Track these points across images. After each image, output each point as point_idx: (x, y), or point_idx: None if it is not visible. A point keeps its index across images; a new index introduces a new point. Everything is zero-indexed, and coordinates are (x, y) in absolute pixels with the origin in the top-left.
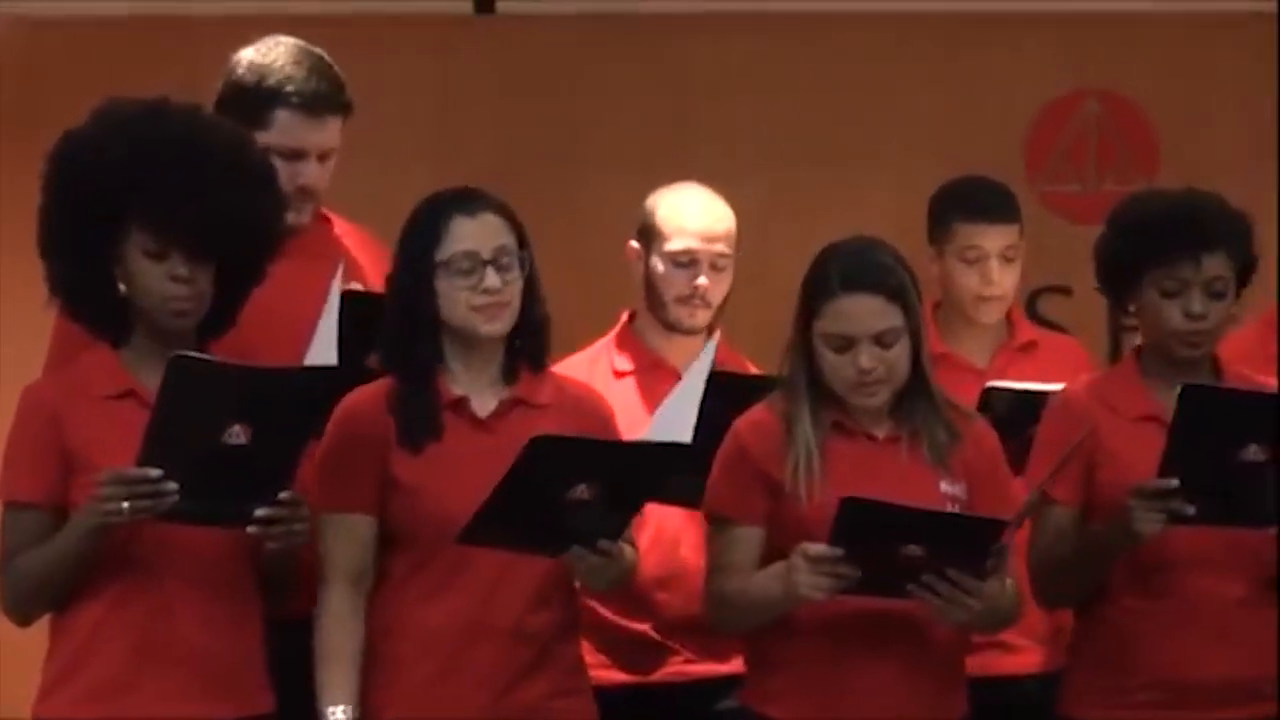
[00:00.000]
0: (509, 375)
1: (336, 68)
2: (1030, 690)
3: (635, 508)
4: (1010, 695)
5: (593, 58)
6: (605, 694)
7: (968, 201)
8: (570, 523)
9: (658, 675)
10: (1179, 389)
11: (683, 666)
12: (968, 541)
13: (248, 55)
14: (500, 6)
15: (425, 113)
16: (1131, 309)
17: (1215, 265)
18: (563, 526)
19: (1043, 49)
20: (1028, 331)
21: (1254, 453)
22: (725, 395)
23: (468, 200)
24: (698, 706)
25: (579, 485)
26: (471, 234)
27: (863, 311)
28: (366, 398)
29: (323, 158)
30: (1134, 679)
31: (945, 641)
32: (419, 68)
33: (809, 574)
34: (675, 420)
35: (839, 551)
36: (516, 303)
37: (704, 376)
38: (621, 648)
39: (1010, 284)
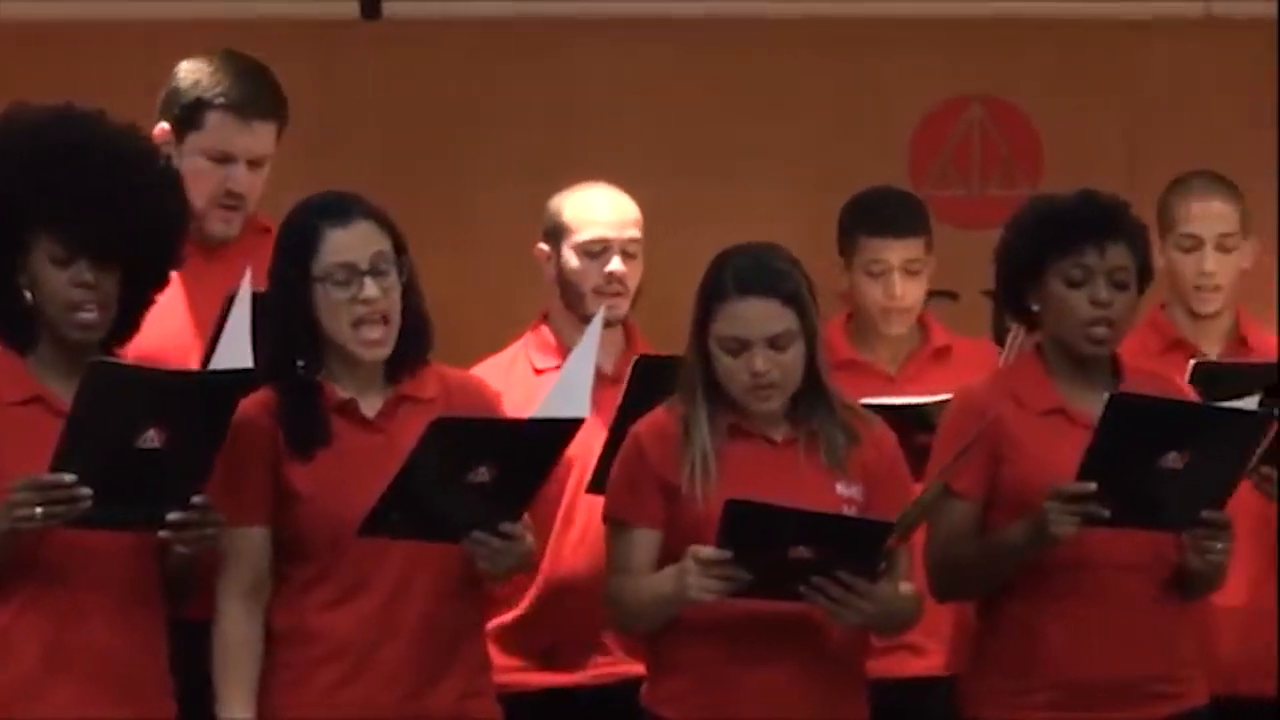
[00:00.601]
0: (393, 373)
1: (271, 75)
2: (939, 692)
3: (534, 488)
4: (919, 697)
5: (480, 63)
6: (533, 696)
7: (872, 215)
8: (470, 507)
9: (585, 675)
10: (1107, 397)
11: (610, 668)
12: (855, 543)
13: (187, 62)
14: (387, 10)
15: (310, 118)
16: (1035, 306)
17: (1118, 255)
18: (463, 511)
19: (927, 55)
20: (941, 337)
21: (1173, 460)
22: (649, 378)
23: (340, 209)
24: (625, 707)
25: (479, 467)
26: (346, 245)
27: (757, 315)
28: (252, 409)
29: (254, 164)
30: (1036, 679)
31: (842, 643)
32: (304, 73)
33: (698, 576)
34: (570, 398)
35: (728, 554)
36: (397, 311)
37: (592, 352)
38: (549, 649)
39: (914, 296)
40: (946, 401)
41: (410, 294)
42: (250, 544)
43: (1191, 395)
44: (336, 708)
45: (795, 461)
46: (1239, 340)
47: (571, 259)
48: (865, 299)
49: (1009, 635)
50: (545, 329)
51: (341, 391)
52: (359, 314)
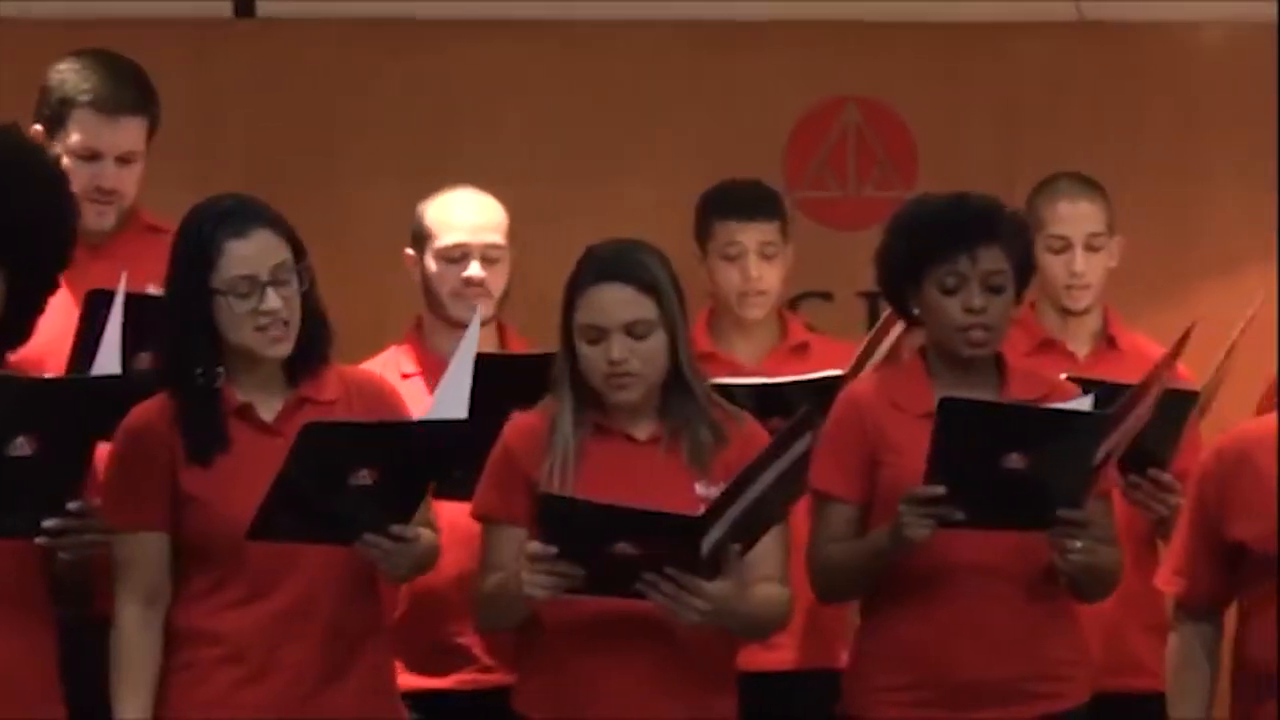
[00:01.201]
0: (292, 376)
1: (140, 72)
2: (788, 688)
3: (419, 490)
4: (770, 692)
5: (355, 62)
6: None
7: (725, 200)
8: (356, 509)
9: (452, 680)
10: (938, 400)
11: (477, 675)
12: (674, 539)
13: (59, 63)
14: (260, 9)
15: (183, 117)
16: (916, 311)
17: (991, 259)
18: (349, 513)
19: (801, 57)
20: (799, 334)
21: (1015, 460)
22: (495, 378)
23: (239, 220)
24: (492, 713)
25: (360, 470)
26: (246, 257)
27: (613, 301)
28: (150, 414)
29: (123, 160)
30: (908, 678)
31: (703, 641)
32: (176, 72)
33: (530, 572)
34: (449, 400)
35: (551, 550)
36: (298, 318)
37: (471, 355)
38: (420, 651)
39: (772, 280)
40: (807, 381)
41: (309, 297)
42: (146, 549)
43: (1076, 392)
44: (237, 708)
45: (655, 460)
46: (1107, 340)
47: (432, 264)
48: (722, 285)
49: (883, 635)
50: (415, 333)
51: (240, 395)
52: (261, 324)
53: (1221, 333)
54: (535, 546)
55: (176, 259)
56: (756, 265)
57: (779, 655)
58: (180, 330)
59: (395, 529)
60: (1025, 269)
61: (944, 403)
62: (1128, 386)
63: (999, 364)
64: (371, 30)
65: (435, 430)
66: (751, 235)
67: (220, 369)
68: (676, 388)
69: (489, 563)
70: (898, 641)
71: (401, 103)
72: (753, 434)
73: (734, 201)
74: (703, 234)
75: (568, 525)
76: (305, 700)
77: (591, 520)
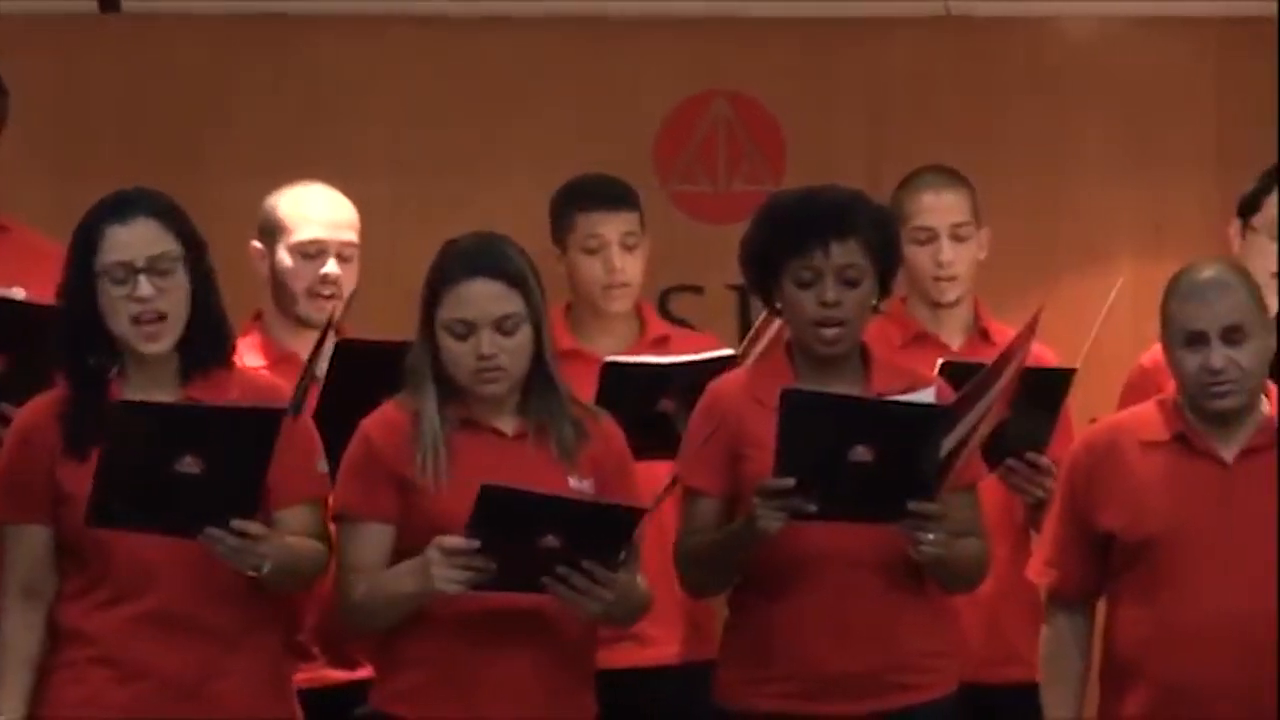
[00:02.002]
0: (185, 376)
1: None
2: (668, 682)
3: (250, 483)
4: (648, 687)
5: (221, 58)
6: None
7: (584, 193)
8: (190, 499)
9: (299, 680)
10: (779, 392)
11: (320, 671)
12: (605, 530)
13: None
14: (126, 5)
15: (50, 113)
16: (778, 305)
17: (846, 253)
18: (184, 503)
19: (671, 51)
20: (659, 327)
21: (861, 453)
22: (354, 365)
23: (124, 206)
24: (331, 714)
25: (183, 456)
26: (124, 243)
27: (483, 296)
28: (39, 407)
29: None
30: (774, 670)
31: (577, 637)
32: (43, 67)
33: (443, 567)
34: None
35: (475, 543)
36: (178, 310)
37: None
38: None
39: (634, 271)
40: (692, 362)
41: (204, 294)
42: (26, 542)
43: (943, 386)
44: (108, 709)
45: (527, 455)
46: (980, 332)
47: (286, 259)
48: (584, 279)
49: (749, 627)
50: (257, 327)
51: (127, 392)
52: (134, 312)
53: (1089, 323)
54: (456, 541)
55: (70, 244)
56: (619, 256)
57: (657, 650)
58: (70, 318)
59: (236, 523)
60: (888, 262)
61: (785, 394)
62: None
63: (863, 357)
64: (238, 25)
65: (254, 418)
66: (614, 227)
67: (116, 364)
68: (539, 382)
69: (352, 563)
70: (762, 633)
71: (269, 98)
72: (610, 431)
73: (594, 194)
74: (561, 229)
75: (504, 517)
76: (178, 701)
77: (533, 511)
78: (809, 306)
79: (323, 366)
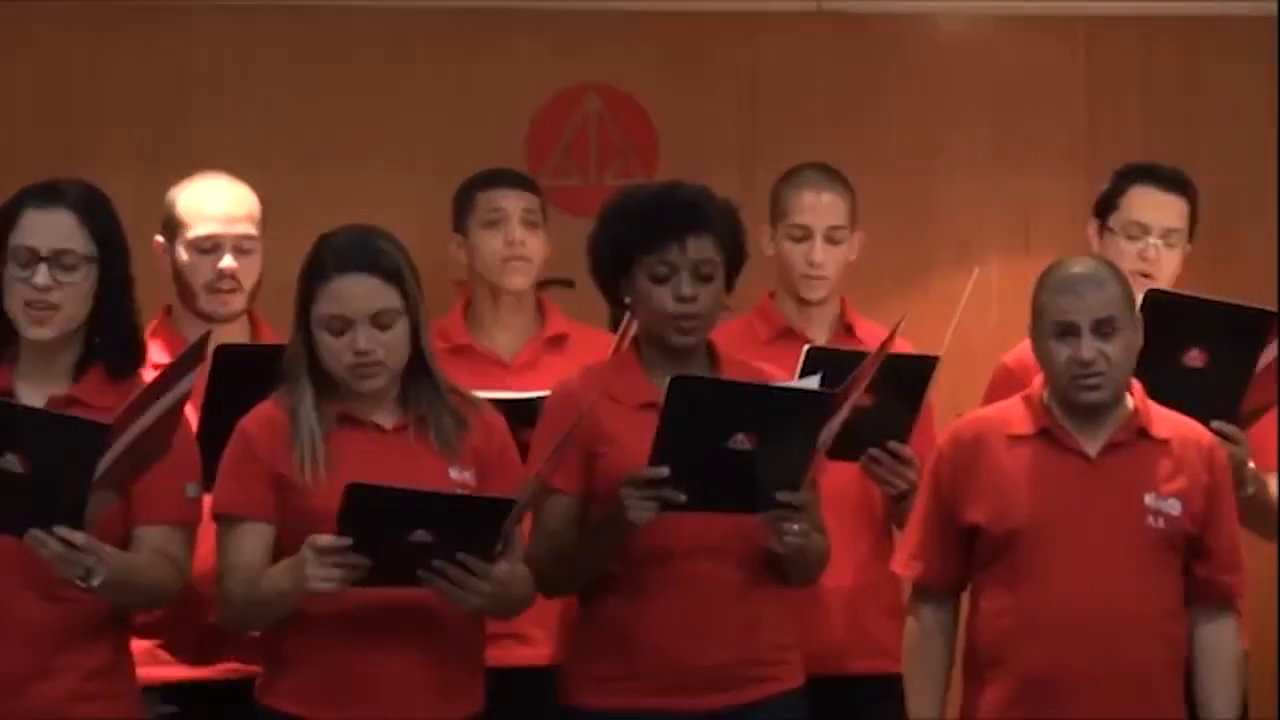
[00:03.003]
0: (79, 372)
1: None
2: (547, 681)
3: (73, 487)
4: (525, 685)
5: (95, 49)
6: (163, 689)
7: (485, 175)
8: (11, 498)
9: (217, 670)
10: (669, 378)
11: (234, 664)
12: (476, 523)
13: None
14: None
15: None
16: (627, 299)
17: (702, 248)
18: (6, 502)
19: (543, 44)
20: (558, 324)
21: (740, 441)
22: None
23: (50, 194)
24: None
25: (5, 454)
26: (36, 228)
27: (358, 291)
28: None
29: None
30: (628, 666)
31: (462, 630)
32: None
33: (318, 566)
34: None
35: (347, 541)
36: (74, 309)
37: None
38: (184, 640)
39: (535, 248)
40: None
41: (114, 299)
42: None
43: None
44: None
45: (407, 448)
46: (845, 329)
47: (184, 254)
48: (485, 254)
49: (603, 622)
50: (165, 322)
51: (18, 383)
52: (28, 298)
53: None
54: (328, 539)
55: None
56: (520, 230)
57: (535, 650)
58: None
59: (60, 531)
60: (737, 258)
61: (674, 379)
62: (867, 353)
63: (710, 353)
64: (108, 16)
65: (76, 428)
66: (514, 201)
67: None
68: (417, 375)
69: (231, 562)
70: (614, 629)
71: (138, 88)
72: (492, 421)
73: (495, 174)
74: (463, 213)
75: (372, 515)
76: (6, 700)
77: (402, 507)
78: (665, 301)
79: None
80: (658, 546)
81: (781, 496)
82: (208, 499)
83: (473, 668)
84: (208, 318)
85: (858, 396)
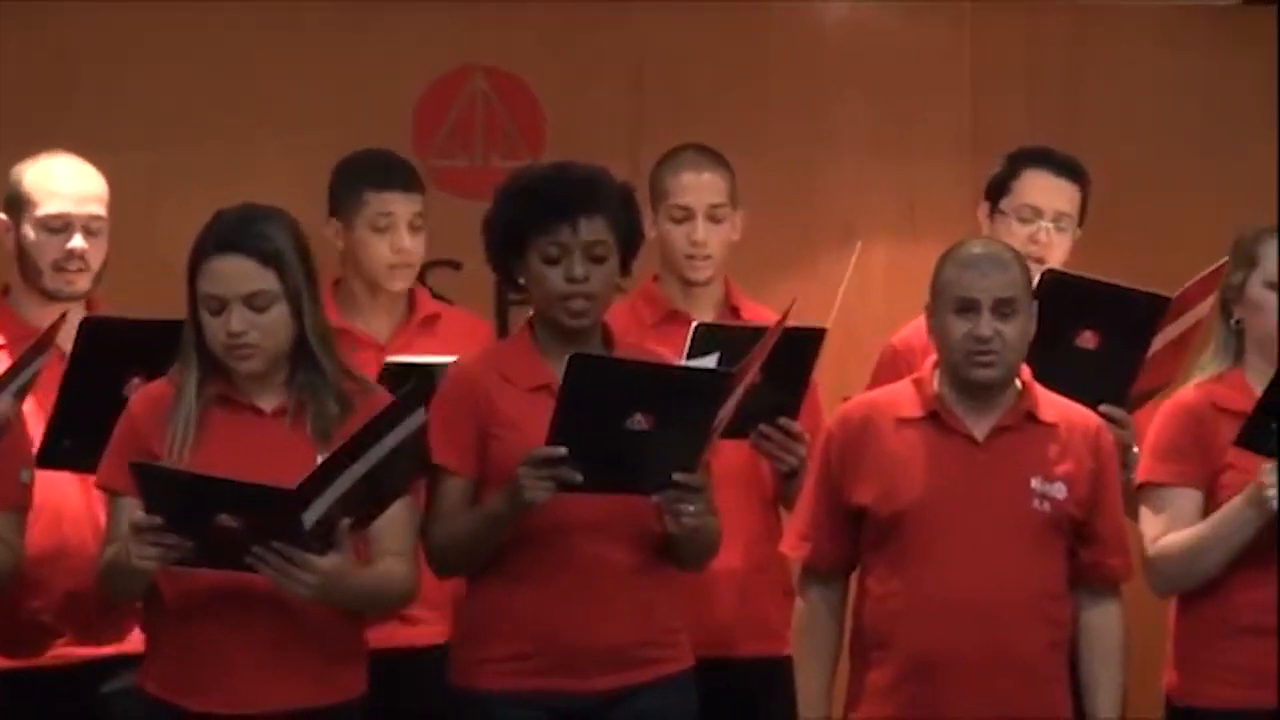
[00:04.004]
0: None
1: None
2: (434, 662)
3: None
4: (413, 666)
5: None
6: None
7: (377, 170)
8: None
9: (43, 659)
10: (568, 357)
11: (66, 649)
12: (274, 512)
13: None
14: None
15: None
16: (521, 280)
17: (594, 229)
18: None
19: (429, 25)
20: (429, 306)
21: (638, 421)
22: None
23: None
24: (83, 690)
25: None
26: None
27: (232, 272)
28: None
29: None
30: (523, 647)
31: (324, 614)
32: None
33: (135, 544)
34: None
35: (156, 520)
36: None
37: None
38: (8, 630)
39: (419, 253)
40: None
41: None
42: None
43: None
44: None
45: (280, 432)
46: (731, 310)
47: (30, 233)
48: (371, 256)
49: (495, 604)
50: (3, 303)
51: None
52: None
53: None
54: (139, 517)
55: None
56: (407, 237)
57: (424, 630)
58: None
59: None
60: (631, 241)
61: (573, 358)
62: (756, 328)
63: (605, 336)
64: None
65: None
66: (405, 207)
67: None
68: (303, 358)
69: (111, 534)
70: (506, 610)
71: (22, 67)
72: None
73: (387, 172)
74: (347, 204)
75: (164, 496)
76: None
77: (186, 491)
78: (557, 282)
79: (65, 339)
80: (551, 527)
81: (678, 477)
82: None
83: (349, 653)
84: (51, 297)
85: (752, 376)
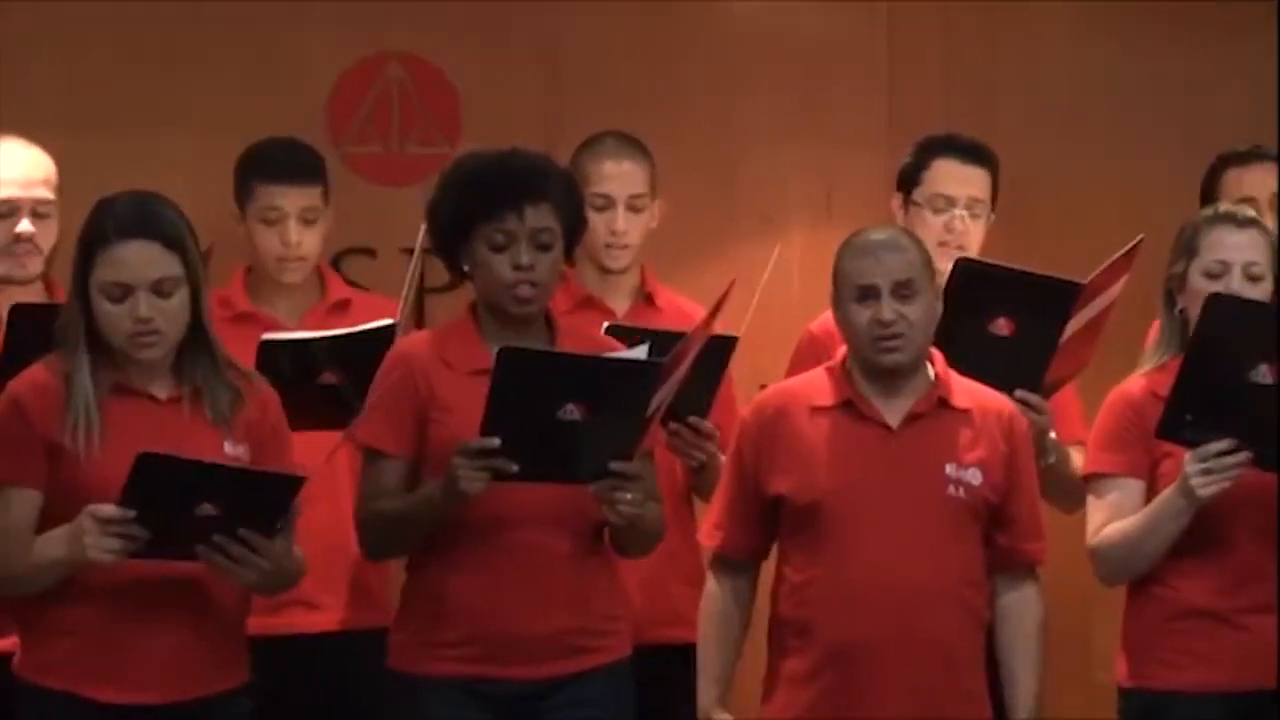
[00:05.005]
0: None
1: None
2: (333, 648)
3: None
4: (313, 652)
5: None
6: None
7: (267, 162)
8: None
9: None
10: (496, 349)
11: None
12: (264, 499)
13: None
14: None
15: None
16: (466, 267)
17: (539, 217)
18: None
19: (345, 12)
20: (340, 291)
21: (570, 411)
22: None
23: None
24: None
25: None
26: None
27: (139, 259)
28: None
29: None
30: (452, 633)
31: (231, 606)
32: None
33: (97, 536)
34: None
35: (130, 513)
36: None
37: None
38: None
39: (311, 245)
40: (376, 330)
41: None
42: None
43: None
44: None
45: (182, 419)
46: (645, 297)
47: None
48: (262, 248)
49: (433, 589)
50: None
51: None
52: None
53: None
54: (111, 510)
55: None
56: (297, 231)
57: (325, 616)
58: None
59: None
60: (575, 227)
61: (502, 351)
62: (669, 333)
63: (548, 322)
64: None
65: None
66: (293, 200)
67: None
68: (195, 345)
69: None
70: (447, 596)
71: None
72: (267, 396)
73: (276, 165)
74: (242, 195)
75: (160, 485)
76: None
77: (191, 479)
78: (503, 269)
79: None
80: (489, 515)
81: (614, 466)
82: None
83: (238, 640)
84: (4, 281)
85: (681, 373)
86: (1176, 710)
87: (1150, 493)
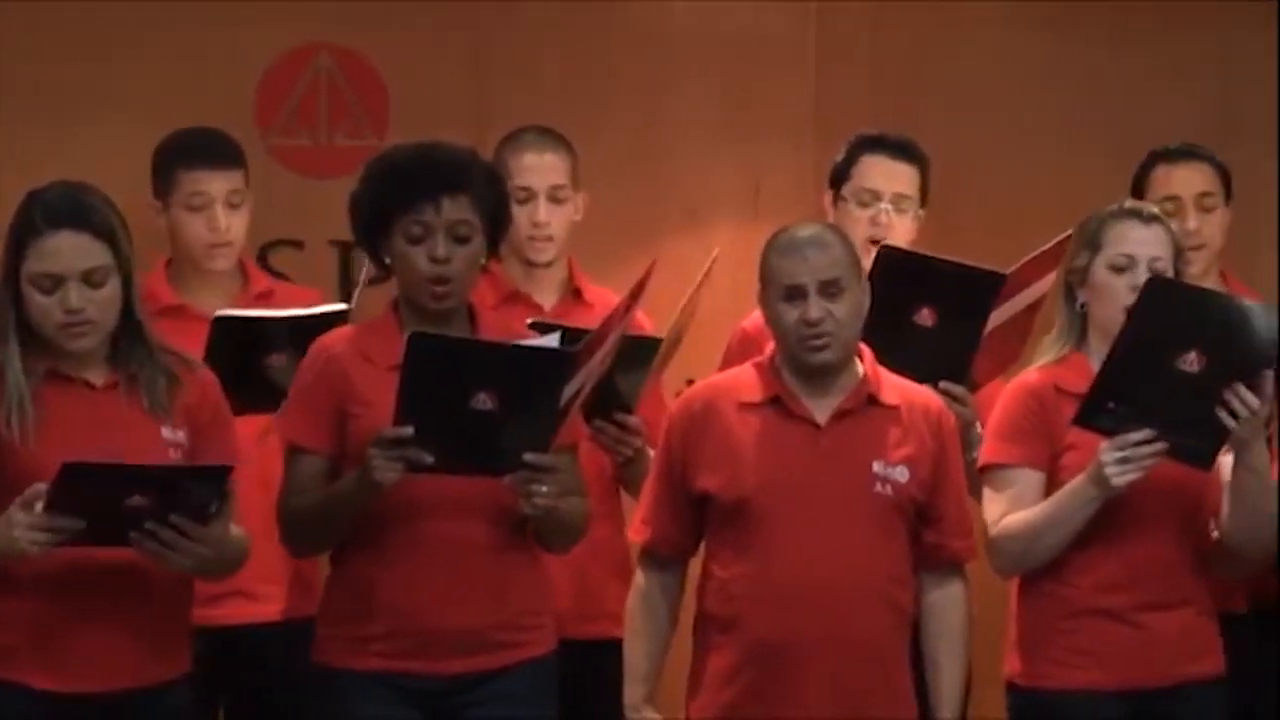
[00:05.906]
0: None
1: None
2: (273, 638)
3: None
4: (253, 642)
5: None
6: None
7: (188, 149)
8: None
9: None
10: (407, 335)
11: None
12: (193, 490)
13: None
14: None
15: None
16: (388, 260)
17: (458, 209)
18: None
19: (273, 2)
20: (262, 282)
21: (483, 401)
22: None
23: None
24: None
25: None
26: None
27: (70, 249)
28: None
29: None
30: (374, 627)
31: (172, 593)
32: None
33: (26, 529)
34: None
35: (59, 519)
36: None
37: None
38: None
39: (238, 230)
40: (331, 314)
41: None
42: None
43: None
44: None
45: (118, 406)
46: (573, 292)
47: None
48: (189, 236)
49: (351, 583)
50: None
51: None
52: None
53: (689, 284)
54: (39, 507)
55: None
56: (224, 215)
57: (264, 606)
58: None
59: None
60: (498, 221)
61: (413, 337)
62: (587, 331)
63: (471, 316)
64: None
65: None
66: (218, 185)
67: None
68: (128, 333)
69: None
70: (367, 589)
71: None
72: (206, 381)
73: (199, 150)
74: (164, 185)
75: (90, 488)
76: None
77: (116, 481)
78: (419, 262)
79: None
80: (404, 506)
81: (529, 458)
82: None
83: (180, 629)
84: None
85: (599, 362)
86: (1068, 710)
87: (1050, 486)
